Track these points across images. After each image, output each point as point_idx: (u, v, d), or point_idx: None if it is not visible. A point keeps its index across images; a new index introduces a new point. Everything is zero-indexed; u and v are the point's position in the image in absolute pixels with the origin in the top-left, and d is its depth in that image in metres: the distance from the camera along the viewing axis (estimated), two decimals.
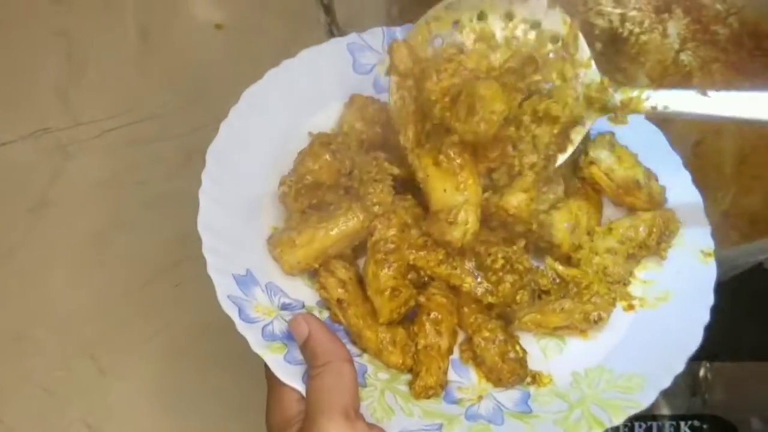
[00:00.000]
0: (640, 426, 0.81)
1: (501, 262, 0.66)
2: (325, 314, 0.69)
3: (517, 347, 0.67)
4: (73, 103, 0.99)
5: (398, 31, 0.84)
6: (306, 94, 0.79)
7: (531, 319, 0.69)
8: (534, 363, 0.69)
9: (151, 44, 1.07)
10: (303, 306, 0.69)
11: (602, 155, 0.76)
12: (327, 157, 0.69)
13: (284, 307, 0.68)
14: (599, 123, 0.77)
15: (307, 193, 0.69)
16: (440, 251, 0.67)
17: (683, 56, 0.97)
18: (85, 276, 0.80)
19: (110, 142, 0.98)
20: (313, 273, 0.70)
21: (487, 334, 0.67)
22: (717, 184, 0.93)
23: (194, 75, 1.03)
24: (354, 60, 0.82)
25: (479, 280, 0.66)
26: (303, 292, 0.70)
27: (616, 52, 0.99)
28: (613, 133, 0.78)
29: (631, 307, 0.73)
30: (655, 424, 0.84)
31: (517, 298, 0.67)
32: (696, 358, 0.67)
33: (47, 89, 1.01)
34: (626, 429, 0.83)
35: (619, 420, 0.65)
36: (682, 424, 0.86)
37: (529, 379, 0.68)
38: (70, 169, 0.96)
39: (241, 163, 0.73)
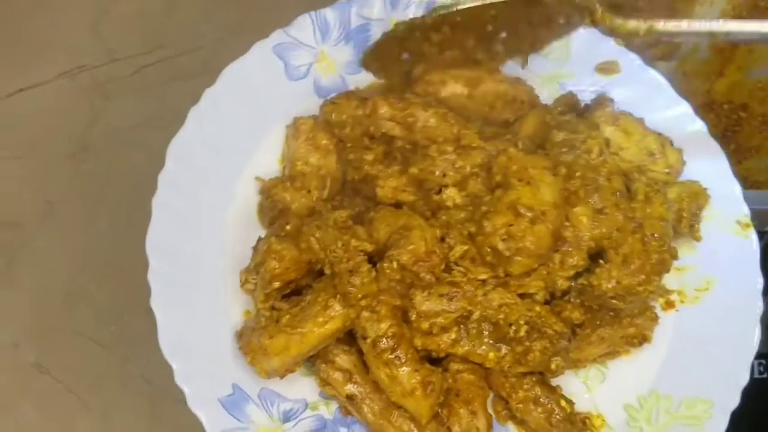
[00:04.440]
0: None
1: (525, 329, 0.56)
2: (333, 406, 0.59)
3: (563, 403, 0.58)
4: (107, 39, 0.93)
5: (329, 14, 0.68)
6: (239, 127, 0.65)
7: (569, 357, 0.59)
8: (577, 402, 0.60)
9: None
10: (306, 406, 0.59)
11: (606, 132, 0.63)
12: (293, 253, 0.57)
13: (287, 417, 0.58)
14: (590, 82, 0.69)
15: (277, 293, 0.58)
16: (452, 330, 0.56)
17: None
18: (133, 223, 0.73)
19: (148, 79, 0.90)
20: (311, 359, 0.59)
21: (523, 394, 0.58)
22: None
23: (232, 3, 0.94)
24: (285, 64, 0.67)
25: (503, 352, 0.56)
26: (302, 387, 0.59)
27: None
28: (611, 100, 0.66)
29: (670, 304, 0.63)
30: None
31: (552, 366, 0.56)
32: None
33: (80, 25, 0.94)
34: None
35: None
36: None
37: (580, 425, 0.59)
38: (109, 109, 0.88)
39: (188, 248, 0.60)
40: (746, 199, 0.62)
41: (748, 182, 0.67)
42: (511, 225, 0.56)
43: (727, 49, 0.75)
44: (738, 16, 0.76)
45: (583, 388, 0.61)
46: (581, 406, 0.61)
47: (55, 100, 0.88)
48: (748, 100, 0.73)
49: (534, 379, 0.58)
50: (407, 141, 0.63)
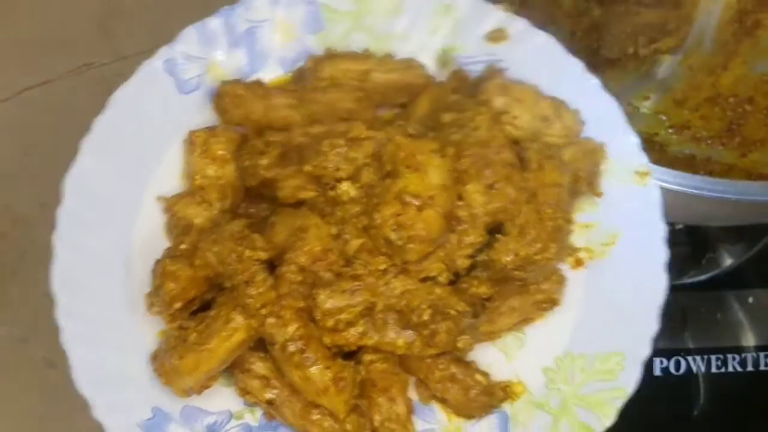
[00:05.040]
0: (733, 358, 0.76)
1: (428, 312, 0.57)
2: (258, 413, 0.61)
3: (478, 377, 0.60)
4: (114, 36, 0.94)
5: (213, 22, 0.68)
6: (136, 150, 0.65)
7: (482, 331, 0.61)
8: (499, 370, 0.62)
9: None
10: (231, 416, 0.60)
11: (498, 104, 0.64)
12: (188, 272, 0.58)
13: (212, 430, 0.59)
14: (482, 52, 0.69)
15: (182, 312, 0.59)
16: (358, 324, 0.57)
17: None
18: None
19: None
20: (228, 369, 0.60)
21: (439, 374, 0.59)
22: None
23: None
24: (176, 79, 0.67)
25: (411, 338, 0.57)
26: (225, 399, 0.61)
27: None
28: (501, 70, 0.66)
29: (579, 262, 0.64)
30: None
31: (460, 344, 0.57)
32: None
33: (87, 22, 0.95)
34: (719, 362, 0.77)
35: (610, 419, 0.59)
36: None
37: (501, 396, 0.60)
38: None
39: (94, 280, 0.61)
40: (750, 191, 0.61)
41: (753, 175, 0.69)
42: (399, 215, 0.56)
43: (731, 42, 0.76)
44: (743, 9, 0.77)
45: (503, 357, 0.63)
46: (502, 375, 0.62)
47: (62, 98, 0.89)
48: (754, 93, 0.74)
49: (448, 358, 0.60)
50: (304, 131, 0.64)
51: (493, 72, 0.66)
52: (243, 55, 0.69)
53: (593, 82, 0.67)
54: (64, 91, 0.89)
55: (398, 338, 0.57)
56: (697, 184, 0.59)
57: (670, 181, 0.60)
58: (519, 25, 0.69)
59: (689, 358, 0.74)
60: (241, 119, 0.65)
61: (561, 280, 0.62)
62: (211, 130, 0.65)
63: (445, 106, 0.64)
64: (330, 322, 0.57)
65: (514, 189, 0.60)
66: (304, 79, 0.67)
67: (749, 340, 0.76)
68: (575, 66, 0.68)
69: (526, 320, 0.62)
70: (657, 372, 0.74)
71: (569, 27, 0.70)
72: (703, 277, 0.78)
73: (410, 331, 0.57)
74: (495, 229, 0.61)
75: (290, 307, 0.56)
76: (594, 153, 0.65)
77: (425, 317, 0.57)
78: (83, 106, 0.82)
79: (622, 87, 0.71)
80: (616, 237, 0.64)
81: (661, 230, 0.63)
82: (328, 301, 0.57)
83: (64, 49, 0.91)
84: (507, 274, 0.60)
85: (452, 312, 0.57)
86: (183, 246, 0.59)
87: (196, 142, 0.64)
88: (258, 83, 0.66)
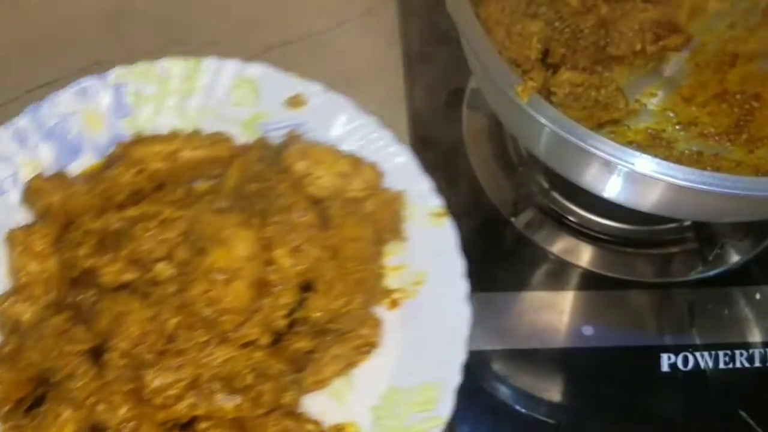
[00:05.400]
0: (741, 354, 0.75)
1: (251, 376, 0.61)
2: None
3: (309, 426, 0.64)
4: (125, 34, 0.92)
5: (21, 121, 0.71)
6: None
7: (310, 383, 0.65)
8: (333, 415, 0.66)
9: None
10: None
11: (299, 167, 0.69)
12: (10, 376, 0.61)
13: None
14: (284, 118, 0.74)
15: (13, 412, 0.61)
16: (187, 397, 0.61)
17: None
18: None
19: None
20: None
21: (273, 429, 0.63)
22: None
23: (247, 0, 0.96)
24: None
25: (239, 401, 0.61)
26: None
27: None
28: (299, 135, 0.72)
29: (394, 303, 0.70)
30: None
31: (284, 400, 0.62)
32: None
33: (97, 20, 0.93)
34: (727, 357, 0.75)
35: None
36: None
37: None
38: None
39: None
40: (759, 187, 0.60)
41: (760, 171, 0.69)
42: (209, 291, 0.61)
43: (740, 38, 0.75)
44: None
45: (335, 402, 0.67)
46: (336, 419, 0.66)
47: None
48: (761, 90, 0.73)
49: (279, 414, 0.64)
50: (120, 216, 0.67)
51: (292, 138, 0.71)
52: (55, 149, 0.72)
53: (387, 134, 0.73)
54: None
55: (226, 404, 0.61)
56: (707, 180, 0.58)
57: (679, 177, 0.58)
58: (314, 89, 0.75)
59: (697, 354, 0.73)
60: (45, 211, 0.68)
61: (376, 324, 0.67)
62: (28, 228, 0.68)
63: (250, 176, 0.68)
64: (159, 400, 0.60)
65: (318, 249, 0.65)
66: (114, 164, 0.71)
67: (756, 336, 0.75)
68: (370, 121, 0.73)
69: (351, 364, 0.67)
70: (665, 368, 0.73)
71: (576, 24, 0.70)
72: (710, 274, 0.78)
73: (237, 396, 0.62)
74: (308, 287, 0.65)
75: (118, 392, 0.60)
76: (394, 201, 0.70)
77: (249, 381, 0.61)
78: None
79: (629, 84, 0.72)
80: (424, 276, 0.70)
81: (459, 265, 0.68)
82: (155, 380, 0.60)
83: (74, 47, 0.91)
84: (322, 327, 0.65)
85: (272, 372, 0.62)
86: (7, 348, 0.62)
87: (15, 241, 0.67)
88: (59, 174, 0.70)
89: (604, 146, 0.59)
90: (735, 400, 0.72)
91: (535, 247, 0.79)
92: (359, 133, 0.73)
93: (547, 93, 0.68)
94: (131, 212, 0.67)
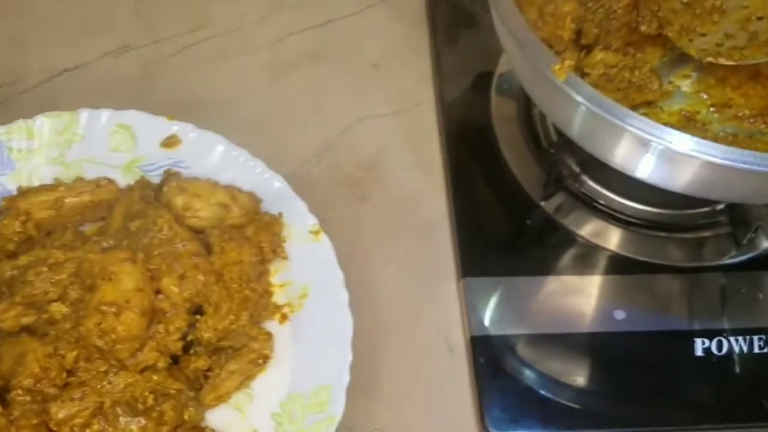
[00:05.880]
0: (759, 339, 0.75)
1: (152, 397, 0.66)
2: None
3: None
4: (150, 19, 0.94)
5: None
6: None
7: (212, 398, 0.69)
8: (238, 426, 0.70)
9: None
10: None
11: (178, 202, 0.73)
12: None
13: None
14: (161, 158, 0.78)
15: None
16: (93, 424, 0.64)
17: None
18: None
19: (190, 58, 0.93)
20: None
21: None
22: None
23: None
24: None
25: (143, 423, 0.65)
26: None
27: None
28: (176, 173, 0.77)
29: (284, 317, 0.74)
30: None
31: (186, 416, 0.67)
32: None
33: (123, 5, 0.95)
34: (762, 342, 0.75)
35: None
36: None
37: None
38: (152, 88, 0.90)
39: None
40: None
41: None
42: (101, 323, 0.65)
43: None
44: None
45: (238, 414, 0.71)
46: (241, 430, 0.70)
47: (99, 81, 0.90)
48: None
49: (182, 430, 0.67)
50: (11, 265, 0.70)
51: (169, 176, 0.76)
52: None
53: (258, 163, 0.78)
54: (102, 73, 0.90)
55: (131, 426, 0.65)
56: (746, 158, 0.58)
57: (718, 155, 0.58)
58: (187, 129, 0.79)
59: (731, 339, 0.73)
60: None
61: (268, 337, 0.72)
62: None
63: (132, 215, 0.73)
64: (66, 429, 0.64)
65: (203, 274, 0.70)
66: (1, 217, 0.73)
67: None
68: (243, 152, 0.78)
69: (249, 377, 0.71)
70: (699, 353, 0.73)
71: (609, 4, 0.71)
72: (743, 258, 0.77)
73: (140, 418, 0.66)
74: (198, 311, 0.71)
75: (26, 426, 0.63)
76: (272, 224, 0.76)
77: (150, 402, 0.66)
78: (120, 87, 0.89)
79: (663, 65, 0.72)
80: (308, 289, 0.75)
81: (338, 276, 0.74)
82: (60, 411, 0.64)
83: (100, 31, 0.92)
84: (216, 345, 0.70)
85: (171, 391, 0.67)
86: None
87: None
88: None
89: (641, 124, 0.60)
90: None
91: (564, 230, 0.79)
92: (234, 164, 0.78)
93: (580, 74, 0.67)
94: (22, 260, 0.70)
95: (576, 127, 0.66)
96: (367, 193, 0.84)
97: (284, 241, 0.75)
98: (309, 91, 0.91)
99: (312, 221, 0.76)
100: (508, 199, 0.81)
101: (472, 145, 0.84)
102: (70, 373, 0.65)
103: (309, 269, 0.75)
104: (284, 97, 0.90)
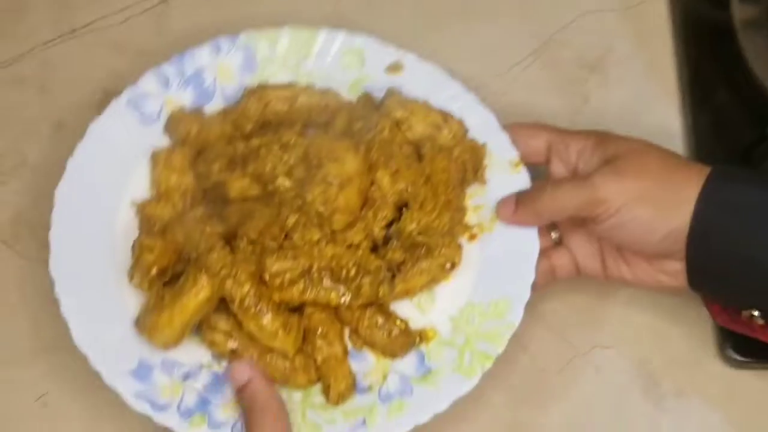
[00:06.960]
0: None
1: (354, 270, 0.73)
2: (224, 363, 0.75)
3: (398, 322, 0.75)
4: None
5: (166, 68, 0.85)
6: (112, 168, 0.81)
7: (400, 290, 0.76)
8: (416, 322, 0.78)
9: None
10: (202, 366, 0.74)
11: (397, 115, 0.81)
12: (160, 243, 0.73)
13: (186, 376, 0.73)
14: (383, 81, 0.85)
15: (158, 279, 0.74)
16: (299, 282, 0.72)
17: None
18: None
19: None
20: (199, 330, 0.75)
21: (367, 322, 0.75)
22: None
23: None
24: (140, 113, 0.83)
25: (342, 291, 0.73)
26: (197, 353, 0.75)
27: None
28: (399, 91, 0.84)
29: (473, 236, 0.81)
30: None
31: (380, 293, 0.73)
32: None
33: None
34: None
35: (501, 346, 0.75)
36: None
37: (418, 340, 0.77)
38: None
39: (85, 266, 0.76)
40: None
41: None
42: (324, 192, 0.73)
43: None
44: None
45: (419, 311, 0.78)
46: (418, 325, 0.78)
47: (118, 35, 0.95)
48: None
49: (373, 309, 0.75)
50: (245, 144, 0.80)
51: (392, 92, 0.84)
52: (192, 93, 0.85)
53: (471, 97, 0.85)
54: (122, 28, 0.95)
55: (331, 292, 0.73)
56: None
57: None
58: (411, 58, 0.87)
59: None
60: (183, 138, 0.81)
61: (458, 247, 0.78)
62: (170, 148, 0.82)
63: (356, 118, 0.81)
64: (277, 282, 0.72)
65: (414, 174, 0.78)
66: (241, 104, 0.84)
67: None
68: (456, 87, 0.86)
69: (434, 280, 0.78)
70: None
71: None
72: None
73: (341, 286, 0.73)
74: (401, 210, 0.78)
75: (245, 270, 0.71)
76: (477, 150, 0.82)
77: (351, 273, 0.73)
78: (139, 41, 0.93)
79: None
80: None
81: None
82: (275, 264, 0.72)
83: None
84: (414, 240, 0.77)
85: (371, 267, 0.74)
86: (156, 228, 0.75)
87: (159, 159, 0.80)
88: (196, 110, 0.83)
89: None
90: None
91: None
92: (449, 94, 0.85)
93: None
94: (256, 141, 0.80)
95: None
96: (589, 94, 0.82)
97: (486, 167, 0.82)
98: None
99: (513, 153, 0.81)
100: (755, 108, 0.74)
101: (710, 45, 0.77)
102: (287, 237, 0.73)
103: (504, 195, 0.80)
104: None
